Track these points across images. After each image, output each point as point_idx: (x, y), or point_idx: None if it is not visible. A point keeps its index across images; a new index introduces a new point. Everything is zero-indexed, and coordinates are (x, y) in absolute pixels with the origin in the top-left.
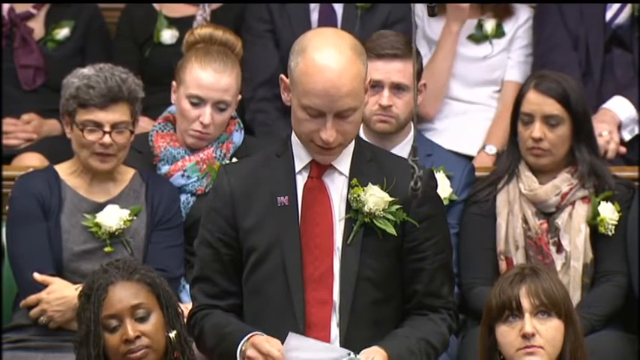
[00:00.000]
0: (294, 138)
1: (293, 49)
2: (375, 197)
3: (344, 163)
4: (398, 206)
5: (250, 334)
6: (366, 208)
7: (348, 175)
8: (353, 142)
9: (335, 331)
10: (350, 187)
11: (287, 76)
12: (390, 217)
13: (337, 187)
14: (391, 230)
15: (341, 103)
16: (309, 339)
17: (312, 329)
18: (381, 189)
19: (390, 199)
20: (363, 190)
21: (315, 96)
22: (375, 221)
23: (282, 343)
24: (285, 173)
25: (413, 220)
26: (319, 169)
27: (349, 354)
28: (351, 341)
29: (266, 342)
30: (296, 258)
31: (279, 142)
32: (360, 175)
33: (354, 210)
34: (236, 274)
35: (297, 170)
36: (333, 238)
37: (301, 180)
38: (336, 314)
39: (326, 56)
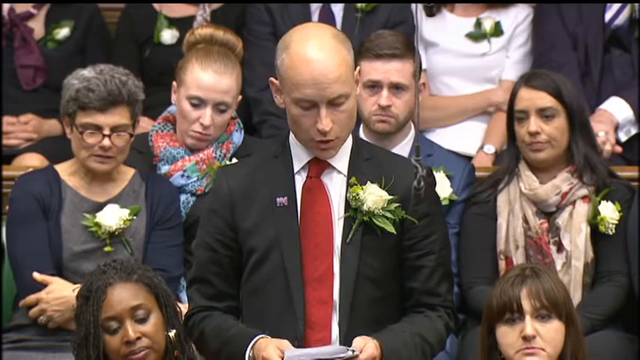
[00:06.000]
0: (292, 138)
1: (278, 47)
2: (374, 196)
3: (342, 162)
4: (397, 204)
5: (256, 339)
6: (365, 207)
7: (346, 174)
8: (350, 141)
9: (335, 331)
10: (349, 185)
11: (276, 79)
12: (389, 215)
13: (336, 186)
14: (390, 228)
15: (331, 90)
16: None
17: (313, 329)
18: (380, 187)
19: (389, 197)
20: (362, 188)
21: (305, 86)
22: (374, 219)
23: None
24: (284, 174)
25: (412, 218)
26: (318, 169)
27: (347, 349)
28: (352, 340)
29: (267, 349)
30: (296, 258)
31: (276, 144)
32: (358, 174)
33: (353, 209)
34: (234, 277)
35: (295, 170)
36: (332, 238)
37: (300, 180)
38: (336, 313)
39: (309, 47)
